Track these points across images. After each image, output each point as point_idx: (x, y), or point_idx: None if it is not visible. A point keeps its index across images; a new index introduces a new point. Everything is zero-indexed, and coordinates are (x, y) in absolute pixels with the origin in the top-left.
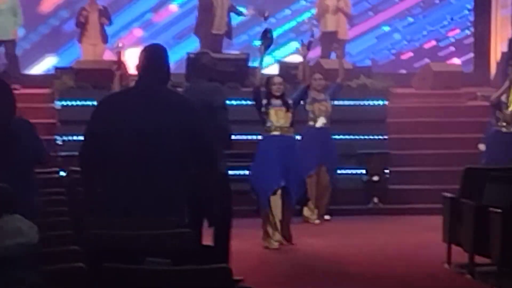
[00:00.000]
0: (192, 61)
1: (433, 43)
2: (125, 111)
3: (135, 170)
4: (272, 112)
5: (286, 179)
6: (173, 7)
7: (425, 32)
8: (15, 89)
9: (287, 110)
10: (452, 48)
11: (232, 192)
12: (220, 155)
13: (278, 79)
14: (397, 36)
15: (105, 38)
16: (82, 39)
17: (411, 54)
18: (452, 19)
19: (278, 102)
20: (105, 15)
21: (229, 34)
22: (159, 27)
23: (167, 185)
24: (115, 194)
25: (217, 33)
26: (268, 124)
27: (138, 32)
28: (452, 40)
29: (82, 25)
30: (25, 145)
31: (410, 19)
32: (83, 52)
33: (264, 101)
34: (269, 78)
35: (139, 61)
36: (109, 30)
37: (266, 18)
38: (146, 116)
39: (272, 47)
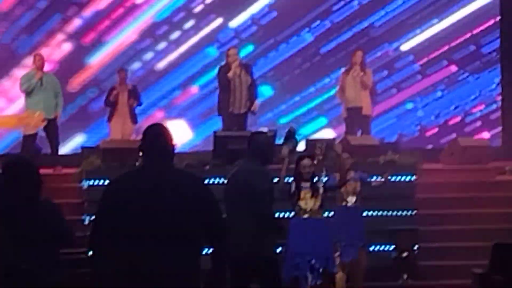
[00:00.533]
0: (248, 140)
1: (458, 118)
2: (134, 191)
3: (147, 251)
4: (301, 195)
5: (319, 258)
6: (194, 89)
7: (452, 108)
8: (57, 169)
9: (317, 193)
10: (478, 123)
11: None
12: (270, 241)
13: (307, 162)
14: (420, 113)
15: (134, 118)
16: (112, 118)
17: (436, 130)
18: (479, 94)
19: (307, 184)
20: (135, 95)
21: (253, 111)
22: (181, 108)
23: (179, 264)
24: (127, 275)
25: (239, 113)
26: (297, 207)
27: (160, 114)
28: (478, 115)
29: (112, 105)
30: (50, 227)
31: (435, 95)
32: (112, 131)
33: (293, 186)
34: (298, 160)
35: (143, 142)
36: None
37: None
38: (155, 196)
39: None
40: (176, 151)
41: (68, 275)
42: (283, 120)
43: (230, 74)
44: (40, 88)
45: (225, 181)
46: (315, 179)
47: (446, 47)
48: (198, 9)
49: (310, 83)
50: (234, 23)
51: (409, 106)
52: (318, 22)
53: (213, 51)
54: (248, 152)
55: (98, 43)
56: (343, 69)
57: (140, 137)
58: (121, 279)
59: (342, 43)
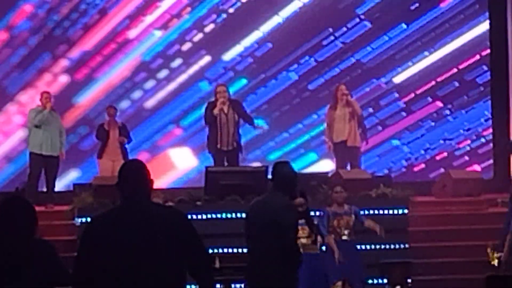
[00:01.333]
0: (272, 171)
1: (445, 154)
2: (113, 229)
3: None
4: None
5: None
6: (178, 131)
7: (439, 143)
8: (49, 207)
9: (311, 229)
10: (466, 158)
11: None
12: (290, 277)
13: (300, 201)
14: (406, 148)
15: (125, 155)
16: (102, 155)
17: (423, 165)
18: (467, 129)
19: (301, 222)
20: (124, 133)
21: (240, 149)
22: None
23: None
24: None
25: (227, 149)
26: None
27: (144, 155)
28: (466, 149)
29: (102, 141)
30: (43, 267)
31: (421, 131)
32: (102, 168)
33: None
34: (290, 198)
35: (120, 179)
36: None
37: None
38: (137, 232)
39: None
40: (169, 186)
41: None
42: (272, 157)
43: (215, 111)
44: (48, 124)
45: (244, 213)
46: (309, 216)
47: (431, 83)
48: (196, 38)
49: (299, 119)
50: (227, 56)
51: (395, 142)
52: (306, 58)
53: (205, 86)
54: (273, 183)
55: (88, 81)
56: (328, 106)
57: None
58: None
59: (329, 79)
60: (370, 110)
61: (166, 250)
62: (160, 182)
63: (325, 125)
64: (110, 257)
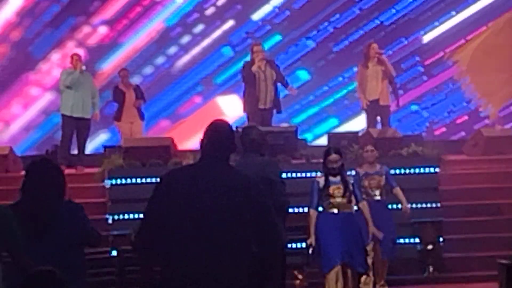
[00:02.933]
0: (241, 136)
1: (466, 117)
2: (186, 189)
3: (197, 250)
4: (330, 190)
5: (348, 254)
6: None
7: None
8: (79, 170)
9: (346, 187)
10: (486, 121)
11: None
12: (280, 229)
13: (334, 157)
14: (425, 113)
15: (142, 116)
16: (120, 118)
17: (444, 129)
18: None
19: (336, 179)
20: (139, 94)
21: (277, 107)
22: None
23: (230, 265)
24: (176, 275)
25: (264, 108)
26: (326, 201)
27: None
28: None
29: (119, 103)
30: (73, 228)
31: (442, 95)
32: (121, 130)
33: (322, 181)
34: (326, 154)
35: (204, 137)
36: (165, 101)
37: None
38: (208, 194)
39: None
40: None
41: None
42: (296, 120)
43: (254, 68)
44: (80, 85)
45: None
46: (344, 173)
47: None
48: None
49: (324, 83)
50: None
51: (414, 107)
52: (326, 24)
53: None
54: (244, 146)
55: (113, 45)
56: (359, 65)
57: (160, 135)
58: (170, 277)
59: (353, 42)
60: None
61: (235, 214)
62: (192, 142)
63: (355, 84)
64: (178, 216)
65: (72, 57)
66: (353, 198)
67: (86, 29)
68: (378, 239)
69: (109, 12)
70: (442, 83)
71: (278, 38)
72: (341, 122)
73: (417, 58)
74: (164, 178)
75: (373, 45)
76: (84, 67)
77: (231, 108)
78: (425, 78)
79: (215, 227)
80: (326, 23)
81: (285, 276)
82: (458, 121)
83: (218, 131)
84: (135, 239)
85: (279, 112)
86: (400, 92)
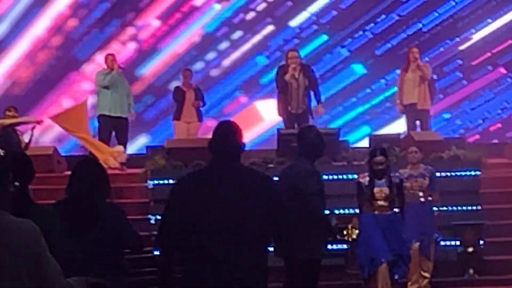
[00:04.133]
0: (298, 137)
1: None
2: (201, 190)
3: (218, 248)
4: (374, 191)
5: (392, 254)
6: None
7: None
8: (122, 170)
9: (390, 190)
10: None
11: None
12: (317, 242)
13: (380, 159)
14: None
15: (200, 117)
16: (179, 117)
17: (499, 125)
18: None
19: (381, 182)
20: (199, 95)
21: (310, 113)
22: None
23: (250, 261)
24: (198, 273)
25: (296, 113)
26: (368, 203)
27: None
28: None
29: (178, 103)
30: (113, 229)
31: (482, 99)
32: (177, 130)
33: (367, 182)
34: (371, 155)
35: (212, 139)
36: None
37: None
38: (222, 194)
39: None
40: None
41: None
42: (338, 122)
43: (287, 77)
44: (116, 85)
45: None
46: (389, 176)
47: (488, 54)
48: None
49: (367, 85)
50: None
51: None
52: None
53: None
54: (299, 148)
55: (153, 51)
56: (400, 69)
57: (205, 135)
58: (191, 277)
59: (395, 45)
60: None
61: (251, 213)
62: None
63: (396, 88)
64: (195, 218)
65: (107, 57)
66: (395, 200)
67: (124, 36)
68: (423, 238)
69: (149, 17)
70: (480, 88)
71: (324, 38)
72: (382, 125)
73: (459, 62)
74: (178, 182)
75: (413, 49)
76: (121, 67)
77: (269, 112)
78: (465, 82)
79: (234, 224)
80: (369, 26)
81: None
82: (492, 128)
83: (225, 132)
84: (156, 238)
85: (311, 117)
86: (440, 96)
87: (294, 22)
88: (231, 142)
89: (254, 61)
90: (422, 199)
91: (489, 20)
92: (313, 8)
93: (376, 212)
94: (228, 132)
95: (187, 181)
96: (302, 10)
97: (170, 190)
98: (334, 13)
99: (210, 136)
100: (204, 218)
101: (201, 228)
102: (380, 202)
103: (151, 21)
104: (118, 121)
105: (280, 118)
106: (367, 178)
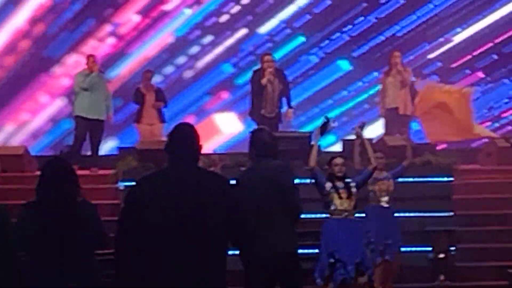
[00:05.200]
0: (251, 139)
1: (488, 124)
2: (158, 193)
3: (173, 252)
4: (335, 195)
5: (355, 257)
6: (225, 94)
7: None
8: (93, 171)
9: (350, 193)
10: (509, 127)
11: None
12: (294, 234)
13: (339, 160)
14: None
15: (162, 118)
16: (140, 120)
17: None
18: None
19: (341, 184)
20: (160, 97)
21: (279, 118)
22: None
23: (206, 265)
24: (155, 275)
25: (270, 117)
26: (332, 207)
27: (190, 119)
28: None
29: (139, 105)
30: (87, 228)
31: None
32: (141, 132)
33: (328, 184)
34: (331, 158)
35: (170, 141)
36: (167, 113)
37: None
38: (179, 197)
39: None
40: (215, 150)
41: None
42: (315, 124)
43: (264, 81)
44: (96, 87)
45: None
46: (349, 179)
47: (469, 56)
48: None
49: (344, 87)
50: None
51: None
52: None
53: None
54: (255, 150)
55: (122, 55)
56: (382, 72)
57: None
58: (147, 280)
59: (373, 47)
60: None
61: (208, 216)
62: (204, 147)
63: (379, 87)
64: (152, 221)
65: (88, 58)
66: (358, 204)
67: (93, 42)
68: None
69: (121, 21)
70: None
71: (301, 39)
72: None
73: (439, 64)
74: (135, 185)
75: (395, 54)
76: (100, 69)
77: (228, 125)
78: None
79: (187, 228)
80: (346, 28)
81: (301, 280)
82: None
83: (183, 134)
84: (114, 242)
85: (280, 122)
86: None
87: (264, 29)
88: (188, 145)
89: (220, 69)
90: (386, 204)
91: (469, 23)
92: (285, 13)
93: (339, 217)
94: (185, 134)
95: (144, 183)
96: (271, 18)
97: (127, 192)
98: (308, 17)
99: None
100: (161, 220)
101: (158, 231)
102: (344, 204)
103: (123, 25)
104: (95, 123)
105: (240, 129)
106: (329, 183)
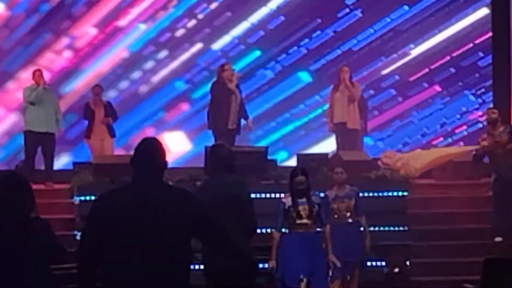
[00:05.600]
0: (209, 154)
1: (441, 139)
2: (122, 207)
3: (135, 267)
4: (296, 211)
5: (310, 273)
6: (185, 106)
7: (436, 127)
8: (48, 185)
9: (311, 209)
10: (461, 143)
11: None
12: (249, 248)
13: (301, 179)
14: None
15: (112, 132)
16: (90, 135)
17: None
18: (462, 114)
19: (302, 200)
20: (109, 112)
21: (239, 130)
22: (170, 125)
23: (168, 281)
24: None
25: (232, 128)
26: (292, 222)
27: (149, 131)
28: (463, 134)
29: (88, 121)
30: (41, 244)
31: (418, 115)
32: (92, 148)
33: (289, 201)
34: (292, 175)
35: (134, 156)
36: (121, 128)
37: None
38: (143, 212)
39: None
40: (168, 166)
41: None
42: (272, 137)
43: (231, 86)
44: (43, 101)
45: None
46: (310, 195)
47: (426, 70)
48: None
49: (300, 101)
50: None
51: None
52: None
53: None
54: (213, 165)
55: (77, 70)
56: (332, 87)
57: (128, 152)
58: None
59: (330, 61)
60: (372, 92)
61: (172, 231)
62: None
63: (327, 105)
64: (115, 235)
65: (34, 73)
66: (318, 220)
67: (49, 54)
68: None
69: (76, 36)
70: (417, 104)
71: (257, 53)
72: (315, 142)
73: (397, 77)
74: (99, 198)
75: (344, 68)
76: (47, 83)
77: (176, 144)
78: (400, 99)
79: (151, 243)
80: (303, 42)
81: None
82: (434, 142)
83: (148, 149)
84: (76, 254)
85: (238, 133)
86: (375, 113)
87: (217, 45)
88: (154, 159)
89: (173, 85)
90: (350, 220)
91: (427, 36)
92: (238, 30)
93: (301, 231)
94: (150, 149)
95: (108, 198)
96: (225, 34)
97: (91, 207)
98: (262, 33)
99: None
100: (124, 235)
101: (121, 245)
102: (304, 221)
103: (79, 38)
104: (45, 137)
105: (186, 149)
106: (290, 198)
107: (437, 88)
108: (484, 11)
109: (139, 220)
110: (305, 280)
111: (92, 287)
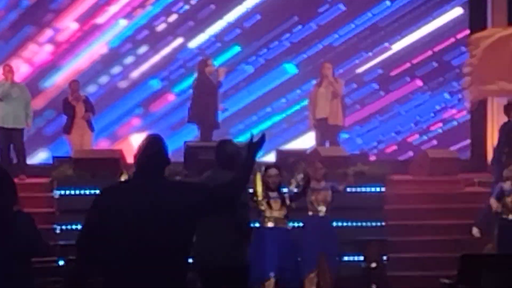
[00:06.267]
0: (217, 150)
1: (416, 136)
2: (124, 202)
3: (134, 263)
4: (267, 204)
5: (280, 269)
6: (171, 96)
7: (411, 124)
8: (21, 179)
9: (283, 202)
10: (434, 142)
11: None
12: (245, 249)
13: (273, 171)
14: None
15: (91, 127)
16: (70, 131)
17: (394, 147)
18: (438, 111)
19: (274, 194)
20: (88, 106)
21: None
22: (156, 116)
23: (169, 276)
24: (115, 285)
25: (214, 120)
26: (263, 215)
27: (136, 122)
28: (439, 131)
29: (68, 116)
30: (22, 237)
31: (395, 112)
32: (71, 142)
33: (262, 195)
34: (266, 169)
35: (138, 151)
36: (106, 119)
37: None
38: (146, 207)
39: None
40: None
41: (39, 284)
42: (253, 132)
43: (220, 78)
44: (10, 97)
45: None
46: (283, 189)
47: (408, 64)
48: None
49: (282, 95)
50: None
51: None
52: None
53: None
54: (217, 161)
55: (56, 66)
56: (314, 82)
57: (100, 146)
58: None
59: (312, 56)
60: (355, 85)
61: (170, 225)
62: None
63: (308, 100)
64: (117, 230)
65: (3, 68)
66: (290, 214)
67: (31, 47)
68: (325, 255)
69: (55, 31)
70: (396, 100)
71: (237, 49)
72: (295, 137)
73: (379, 71)
74: (102, 192)
75: (326, 65)
76: (15, 79)
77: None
78: (382, 93)
79: (151, 240)
80: (285, 36)
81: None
82: (409, 139)
83: (151, 146)
84: (76, 248)
85: (217, 127)
86: (357, 107)
87: (194, 43)
88: (154, 155)
89: (148, 84)
90: (323, 214)
91: (408, 31)
92: (215, 28)
93: (271, 225)
94: (154, 146)
95: (108, 194)
96: (201, 32)
97: (93, 201)
98: (239, 31)
99: (116, 147)
100: (122, 232)
101: (119, 242)
102: (275, 213)
103: (61, 31)
104: (13, 133)
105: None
106: (263, 194)
107: (419, 82)
108: (458, 11)
109: (142, 215)
110: (272, 279)
111: (82, 283)
